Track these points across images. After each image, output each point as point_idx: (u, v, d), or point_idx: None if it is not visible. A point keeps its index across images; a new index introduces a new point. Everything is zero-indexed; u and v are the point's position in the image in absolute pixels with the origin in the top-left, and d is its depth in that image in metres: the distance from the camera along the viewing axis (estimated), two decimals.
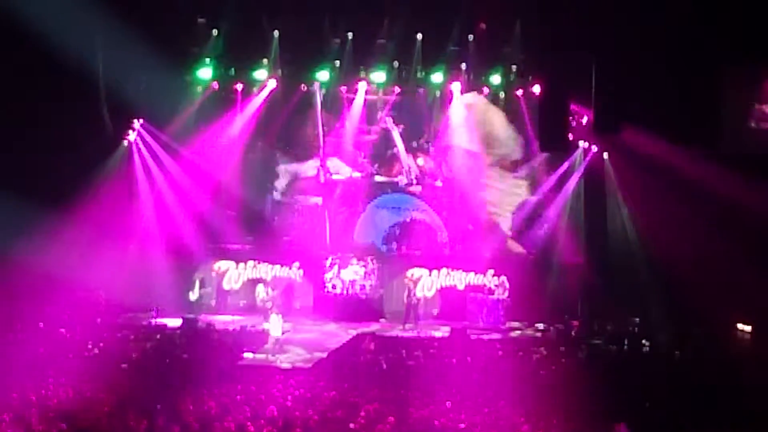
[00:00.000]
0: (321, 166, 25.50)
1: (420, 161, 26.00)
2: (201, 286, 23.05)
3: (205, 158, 24.24)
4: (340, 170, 25.64)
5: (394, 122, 25.72)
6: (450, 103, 25.31)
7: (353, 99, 25.22)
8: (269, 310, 20.93)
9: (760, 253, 19.24)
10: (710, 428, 12.44)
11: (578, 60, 16.25)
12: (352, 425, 11.77)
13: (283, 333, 20.21)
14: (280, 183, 25.85)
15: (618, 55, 16.97)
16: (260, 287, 23.12)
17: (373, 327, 22.24)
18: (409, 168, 25.85)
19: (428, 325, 22.52)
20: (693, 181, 20.15)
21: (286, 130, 25.66)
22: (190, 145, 24.03)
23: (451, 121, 25.47)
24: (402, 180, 25.90)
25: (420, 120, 26.00)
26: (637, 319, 21.43)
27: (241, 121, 24.85)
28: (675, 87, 19.99)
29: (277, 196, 25.90)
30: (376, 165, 25.91)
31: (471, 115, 25.26)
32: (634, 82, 18.61)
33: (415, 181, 25.93)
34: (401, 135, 25.78)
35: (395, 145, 25.84)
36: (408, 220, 25.77)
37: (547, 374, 16.14)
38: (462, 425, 11.93)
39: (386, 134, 25.86)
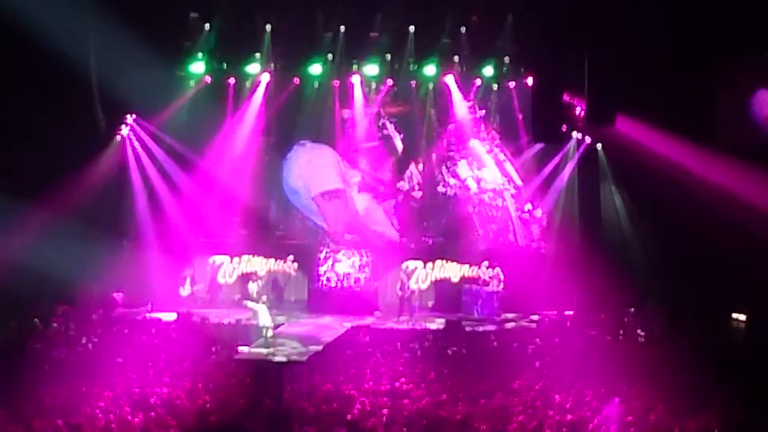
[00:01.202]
0: None
1: (420, 167, 25.91)
2: (192, 283, 22.99)
3: (203, 156, 24.18)
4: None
5: (395, 129, 25.64)
6: (450, 104, 25.20)
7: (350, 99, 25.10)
8: (260, 302, 20.84)
9: (756, 243, 19.28)
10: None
11: (572, 52, 16.27)
12: (348, 417, 11.80)
13: (275, 327, 20.23)
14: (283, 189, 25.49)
15: (612, 47, 16.99)
16: (252, 285, 23.07)
17: (368, 320, 22.23)
18: (411, 174, 25.75)
19: (423, 317, 22.55)
20: (688, 173, 20.17)
21: (282, 129, 25.47)
22: (187, 142, 23.92)
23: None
24: (404, 186, 25.74)
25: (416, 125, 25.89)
26: (632, 309, 21.48)
27: (240, 121, 24.72)
28: (670, 79, 20.00)
29: (281, 202, 25.56)
30: (378, 171, 25.71)
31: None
32: (628, 73, 18.62)
33: (417, 187, 25.78)
34: (402, 141, 25.67)
35: (397, 151, 25.77)
36: None
37: (543, 365, 16.17)
38: (458, 416, 11.96)
39: (387, 140, 25.74)
